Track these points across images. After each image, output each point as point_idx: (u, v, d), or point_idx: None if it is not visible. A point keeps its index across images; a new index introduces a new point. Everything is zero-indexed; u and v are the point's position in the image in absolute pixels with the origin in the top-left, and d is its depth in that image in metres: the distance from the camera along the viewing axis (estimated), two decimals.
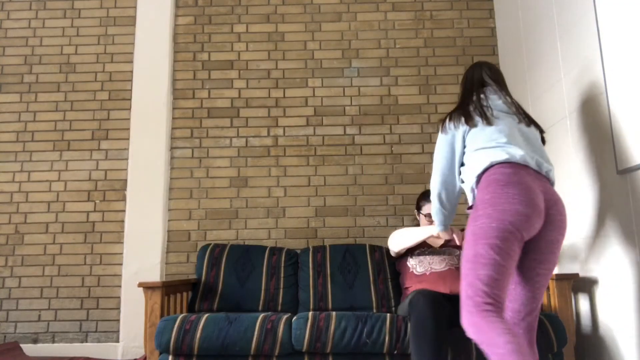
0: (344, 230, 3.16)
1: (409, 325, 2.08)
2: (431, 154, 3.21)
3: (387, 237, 3.12)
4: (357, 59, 3.36)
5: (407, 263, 2.57)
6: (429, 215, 2.51)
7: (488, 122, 1.85)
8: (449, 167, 1.91)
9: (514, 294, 1.74)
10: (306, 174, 3.23)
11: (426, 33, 3.39)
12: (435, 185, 1.95)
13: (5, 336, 3.05)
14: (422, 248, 2.58)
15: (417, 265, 2.49)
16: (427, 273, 2.42)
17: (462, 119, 1.90)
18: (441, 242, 2.57)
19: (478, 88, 2.01)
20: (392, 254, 2.63)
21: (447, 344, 2.06)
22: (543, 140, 1.94)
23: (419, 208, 2.64)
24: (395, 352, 2.12)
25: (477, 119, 1.89)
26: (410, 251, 2.60)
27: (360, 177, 3.22)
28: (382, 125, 3.27)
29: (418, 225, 2.76)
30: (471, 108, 1.93)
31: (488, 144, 1.77)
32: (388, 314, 2.20)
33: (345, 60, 3.36)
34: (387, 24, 3.40)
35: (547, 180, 1.76)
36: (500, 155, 1.71)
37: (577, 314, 2.42)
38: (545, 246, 1.68)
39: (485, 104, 1.92)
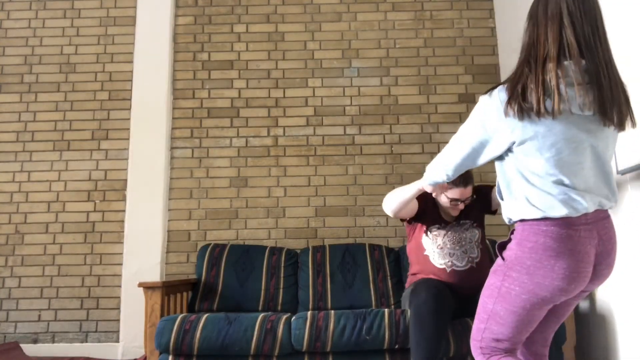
0: (344, 230, 3.16)
1: (408, 314, 2.09)
2: (431, 154, 3.21)
3: (387, 237, 3.13)
4: (357, 59, 3.36)
5: (422, 242, 2.35)
6: (454, 200, 2.22)
7: (550, 131, 1.30)
8: (471, 161, 1.48)
9: None
10: (306, 174, 3.23)
11: (426, 33, 3.38)
12: (447, 165, 1.54)
13: (5, 336, 3.05)
14: (438, 223, 2.34)
15: (437, 254, 2.27)
16: (448, 270, 2.23)
17: (512, 115, 1.31)
18: (456, 213, 2.31)
19: (551, 58, 1.31)
20: (391, 215, 2.29)
21: (448, 336, 2.08)
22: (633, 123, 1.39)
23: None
24: (396, 346, 2.12)
25: (534, 123, 1.30)
26: (426, 226, 2.36)
27: (360, 177, 3.22)
28: (382, 125, 3.27)
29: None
30: (532, 98, 1.29)
31: (545, 185, 1.33)
32: (386, 309, 2.21)
33: (345, 60, 3.36)
34: (387, 24, 3.40)
35: (606, 217, 1.39)
36: (559, 210, 1.31)
37: (577, 314, 2.42)
38: (576, 296, 1.46)
39: (559, 92, 1.28)
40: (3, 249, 3.16)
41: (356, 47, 3.37)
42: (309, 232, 3.17)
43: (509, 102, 1.32)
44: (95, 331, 3.06)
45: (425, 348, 1.92)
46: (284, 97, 3.32)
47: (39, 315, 3.08)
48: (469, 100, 3.27)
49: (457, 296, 2.21)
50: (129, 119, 3.28)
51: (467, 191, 2.22)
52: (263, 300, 2.72)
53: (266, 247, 2.93)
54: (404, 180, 3.18)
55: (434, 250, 2.29)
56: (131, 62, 3.36)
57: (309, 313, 2.23)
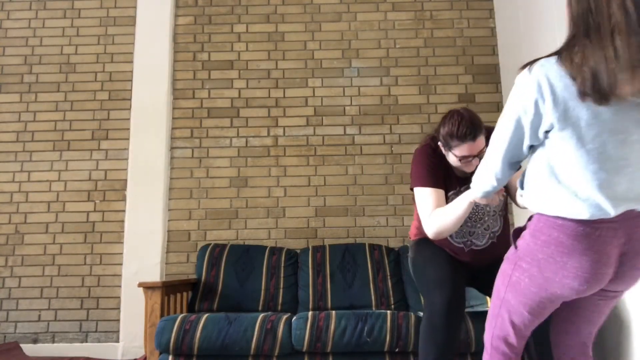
0: (344, 230, 3.16)
1: (410, 319, 2.04)
2: None
3: (387, 237, 3.12)
4: (357, 59, 3.36)
5: None
6: (464, 158, 1.83)
7: (596, 118, 1.15)
8: (517, 151, 1.30)
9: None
10: (306, 174, 3.23)
11: (426, 33, 3.38)
12: (492, 167, 1.37)
13: (5, 336, 3.05)
14: (454, 189, 1.98)
15: (454, 232, 1.97)
16: (467, 250, 1.98)
17: (555, 94, 1.16)
18: (472, 168, 1.87)
19: (619, 30, 1.11)
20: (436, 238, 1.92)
21: (467, 331, 2.06)
22: None
23: (448, 145, 1.87)
24: (397, 349, 2.12)
25: (580, 107, 1.15)
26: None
27: (360, 177, 3.22)
28: (382, 125, 3.27)
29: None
30: (585, 76, 1.12)
31: (576, 182, 1.19)
32: (388, 312, 2.20)
33: (345, 60, 3.36)
34: (387, 24, 3.40)
35: (638, 216, 1.23)
36: (582, 212, 1.18)
37: None
38: (605, 297, 1.37)
39: (632, 70, 1.08)
40: (3, 249, 3.16)
41: (356, 47, 3.37)
42: (309, 232, 3.17)
43: (551, 80, 1.17)
44: (95, 331, 3.06)
45: (438, 356, 1.79)
46: (284, 97, 3.32)
47: (39, 315, 3.08)
48: (469, 100, 3.27)
49: (474, 268, 2.03)
50: (129, 119, 3.28)
51: (478, 144, 1.81)
52: (263, 300, 2.72)
53: (266, 247, 2.93)
54: (403, 180, 3.18)
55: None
56: (131, 62, 3.36)
57: (310, 313, 2.23)
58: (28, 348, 3.00)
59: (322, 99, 3.31)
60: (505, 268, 1.39)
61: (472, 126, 1.78)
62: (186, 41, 3.40)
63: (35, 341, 3.05)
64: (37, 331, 3.06)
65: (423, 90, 3.31)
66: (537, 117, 1.22)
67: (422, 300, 1.97)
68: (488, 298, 2.56)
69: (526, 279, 1.31)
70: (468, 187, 1.76)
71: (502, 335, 1.41)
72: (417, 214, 2.05)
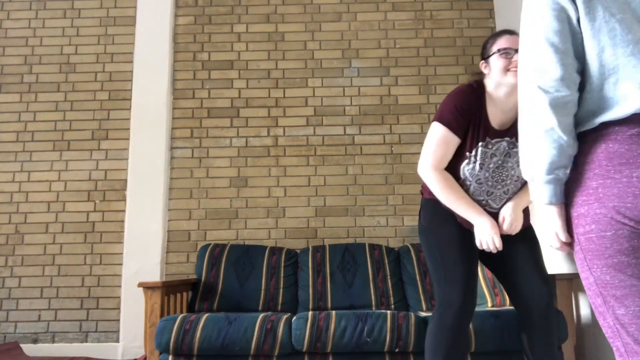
0: (344, 230, 3.16)
1: (428, 321, 1.84)
2: None
3: (387, 237, 3.12)
4: (357, 59, 3.36)
5: (460, 168, 1.84)
6: (504, 50, 1.73)
7: None
8: (569, 60, 1.01)
9: None
10: (306, 174, 3.23)
11: (426, 33, 3.39)
12: (537, 104, 1.02)
13: (5, 336, 3.05)
14: (483, 140, 1.80)
15: (473, 188, 1.83)
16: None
17: None
18: (513, 67, 1.72)
19: None
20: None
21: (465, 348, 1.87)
22: None
23: (488, 51, 1.80)
24: (397, 350, 2.12)
25: None
26: (469, 146, 1.81)
27: (360, 177, 3.22)
28: (382, 125, 3.27)
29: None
30: None
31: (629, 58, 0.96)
32: (388, 312, 2.20)
33: (345, 60, 3.36)
34: (387, 24, 3.40)
35: None
36: (630, 104, 0.95)
37: (578, 314, 2.42)
38: None
39: None
40: (3, 249, 3.16)
41: (356, 47, 3.37)
42: (309, 232, 3.17)
43: None
44: (95, 331, 3.06)
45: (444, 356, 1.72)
46: (284, 97, 3.32)
47: (39, 315, 3.08)
48: None
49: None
50: (129, 119, 3.28)
51: (517, 40, 1.73)
52: (263, 300, 2.72)
53: (266, 247, 2.93)
54: (403, 180, 3.18)
55: (471, 183, 1.83)
56: (131, 62, 3.36)
57: (310, 313, 2.23)
58: (28, 348, 3.00)
59: (322, 99, 3.31)
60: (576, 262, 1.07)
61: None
62: (186, 41, 3.40)
63: (35, 341, 3.05)
64: (37, 331, 3.06)
65: (423, 90, 3.31)
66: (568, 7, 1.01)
67: (434, 289, 1.83)
68: (488, 296, 2.56)
69: (593, 224, 0.98)
70: (500, 140, 1.76)
71: (629, 337, 0.97)
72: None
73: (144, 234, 3.11)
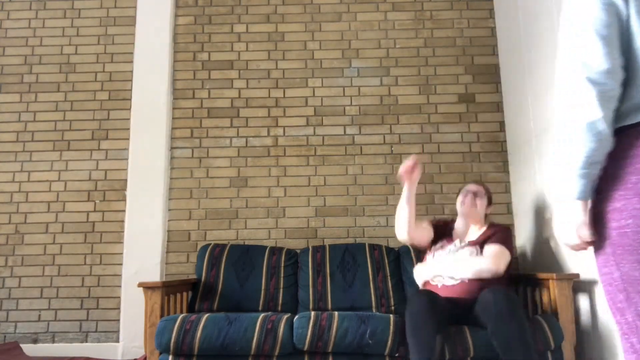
0: (344, 230, 3.16)
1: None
2: (431, 154, 3.21)
3: (387, 237, 3.12)
4: (357, 59, 3.36)
5: (427, 258, 2.55)
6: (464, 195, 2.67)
7: None
8: (615, 64, 1.01)
9: None
10: (306, 174, 3.23)
11: (426, 33, 3.39)
12: (584, 96, 1.02)
13: (5, 336, 3.05)
14: (442, 240, 2.56)
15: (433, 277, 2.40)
16: (439, 286, 2.34)
17: None
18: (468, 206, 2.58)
19: None
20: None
21: (443, 340, 2.06)
22: None
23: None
24: (397, 355, 2.12)
25: None
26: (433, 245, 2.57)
27: (360, 177, 3.22)
28: (382, 125, 3.27)
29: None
30: None
31: None
32: (391, 315, 2.20)
33: (345, 60, 3.36)
34: (387, 24, 3.40)
35: None
36: None
37: (577, 314, 2.42)
38: None
39: None
40: (3, 249, 3.16)
41: (356, 47, 3.37)
42: (309, 232, 3.17)
43: None
44: (95, 331, 3.06)
45: (421, 350, 1.92)
46: (284, 97, 3.32)
47: (39, 315, 3.08)
48: (469, 100, 3.27)
49: (455, 306, 2.21)
50: (129, 119, 3.28)
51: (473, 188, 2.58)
52: (263, 300, 2.72)
53: (266, 247, 2.93)
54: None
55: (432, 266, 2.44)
56: (131, 62, 3.36)
57: (313, 313, 2.23)
58: (28, 348, 3.00)
59: (322, 99, 3.31)
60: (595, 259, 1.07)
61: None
62: (186, 41, 3.40)
63: (35, 341, 3.05)
64: (37, 331, 3.06)
65: (423, 90, 3.31)
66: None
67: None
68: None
69: (630, 219, 0.97)
70: (450, 243, 2.48)
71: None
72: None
73: (143, 234, 3.11)
